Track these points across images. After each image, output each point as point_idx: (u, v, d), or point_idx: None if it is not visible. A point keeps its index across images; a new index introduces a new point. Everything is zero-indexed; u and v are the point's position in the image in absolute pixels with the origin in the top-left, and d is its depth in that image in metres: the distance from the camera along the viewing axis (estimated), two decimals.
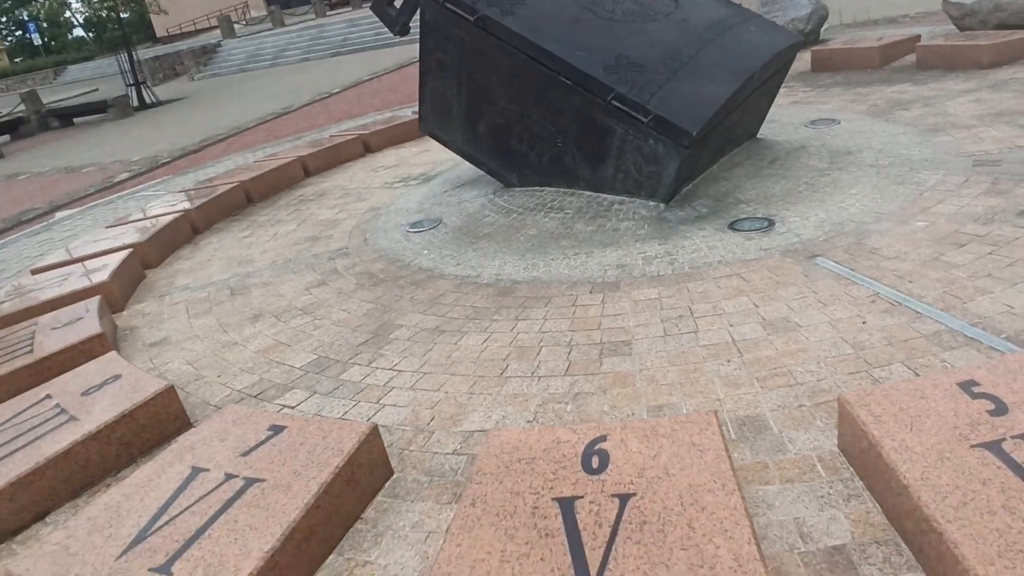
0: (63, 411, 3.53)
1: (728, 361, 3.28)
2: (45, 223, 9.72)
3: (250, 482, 2.66)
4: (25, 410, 3.63)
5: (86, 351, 4.33)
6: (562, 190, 5.86)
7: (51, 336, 4.56)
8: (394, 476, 2.93)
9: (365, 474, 2.78)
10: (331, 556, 2.57)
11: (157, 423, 3.53)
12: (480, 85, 5.76)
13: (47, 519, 3.14)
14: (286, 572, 2.37)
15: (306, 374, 3.90)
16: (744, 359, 3.28)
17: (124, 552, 2.43)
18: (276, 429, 2.94)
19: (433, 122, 6.43)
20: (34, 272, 6.21)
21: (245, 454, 2.83)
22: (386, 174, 8.18)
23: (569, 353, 3.60)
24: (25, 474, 3.09)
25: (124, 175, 12.92)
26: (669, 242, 4.67)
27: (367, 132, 9.67)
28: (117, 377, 3.73)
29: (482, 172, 6.44)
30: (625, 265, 4.48)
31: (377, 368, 3.81)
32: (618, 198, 5.44)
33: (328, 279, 5.23)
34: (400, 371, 3.74)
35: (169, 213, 7.09)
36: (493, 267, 4.83)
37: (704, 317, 3.70)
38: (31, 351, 4.38)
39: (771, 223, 4.66)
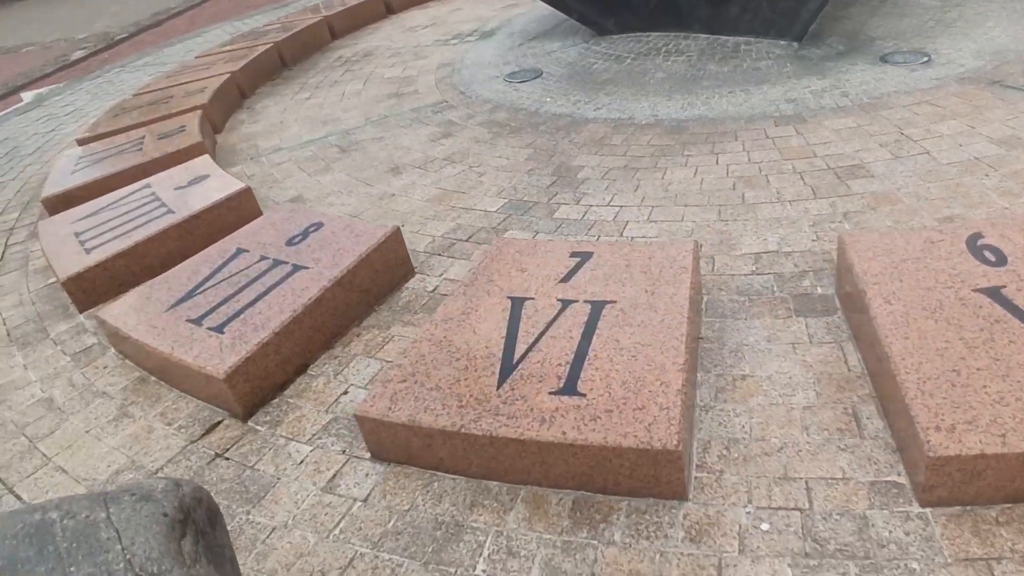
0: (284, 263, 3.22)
1: (986, 176, 3.25)
2: (24, 103, 8.69)
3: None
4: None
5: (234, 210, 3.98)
6: (671, 34, 5.58)
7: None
8: (706, 298, 2.80)
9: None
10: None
11: (388, 269, 3.26)
12: None
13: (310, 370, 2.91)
14: None
15: (509, 216, 3.67)
16: (1001, 172, 3.25)
17: None
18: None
19: None
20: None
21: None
22: (428, 33, 7.61)
23: (803, 179, 3.50)
24: (287, 323, 2.81)
25: (79, 52, 11.63)
26: (828, 77, 4.53)
27: None
28: (320, 226, 3.41)
29: (558, 21, 6.06)
30: (795, 100, 4.34)
31: (591, 205, 3.62)
32: (742, 39, 5.23)
33: (451, 131, 4.87)
34: (622, 206, 3.56)
35: (213, 76, 6.39)
36: (643, 108, 4.60)
37: (925, 140, 3.64)
38: None
39: (927, 56, 4.56)
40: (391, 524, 2.13)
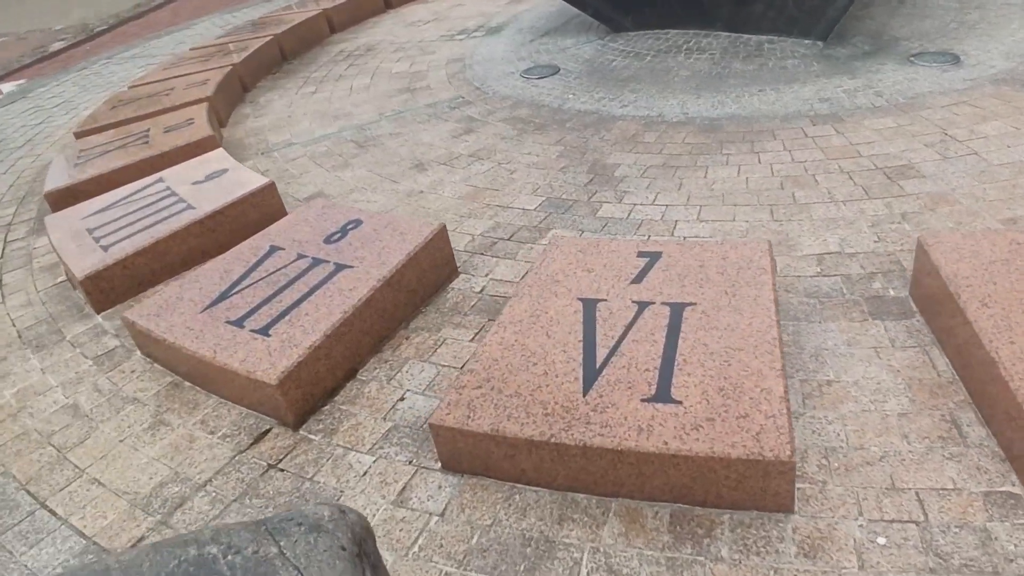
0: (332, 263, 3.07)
1: None
2: (5, 94, 8.34)
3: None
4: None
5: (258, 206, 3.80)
6: (691, 32, 5.51)
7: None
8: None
9: None
10: None
11: (434, 268, 3.12)
12: None
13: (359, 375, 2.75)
14: None
15: (550, 214, 3.54)
16: None
17: None
18: None
19: None
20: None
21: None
22: (431, 28, 7.46)
23: (852, 179, 3.43)
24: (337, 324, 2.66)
25: (58, 43, 11.25)
26: (859, 77, 4.48)
27: None
28: (359, 223, 3.25)
29: (568, 18, 5.96)
30: (828, 99, 4.28)
31: (635, 204, 3.51)
32: (765, 37, 5.17)
33: (473, 127, 4.74)
34: (668, 204, 3.46)
35: (213, 69, 6.17)
36: (672, 106, 4.50)
37: (971, 141, 3.59)
38: None
39: (956, 57, 4.53)
40: (475, 540, 1.99)
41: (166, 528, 2.22)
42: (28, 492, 2.45)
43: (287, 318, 2.67)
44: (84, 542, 2.23)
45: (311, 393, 2.55)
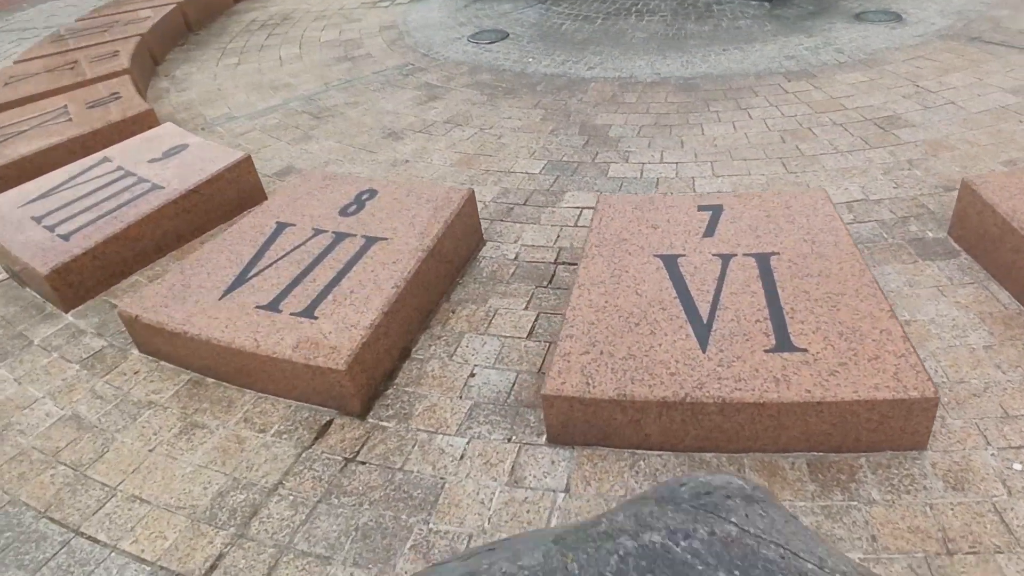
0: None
1: (1020, 122, 3.42)
2: None
3: None
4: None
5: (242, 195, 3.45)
6: None
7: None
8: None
9: None
10: None
11: (466, 237, 2.94)
12: None
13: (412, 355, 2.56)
14: None
15: (558, 177, 3.44)
16: None
17: None
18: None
19: None
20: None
21: None
22: None
23: (847, 130, 3.54)
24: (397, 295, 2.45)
25: None
26: (815, 36, 4.64)
27: None
28: (373, 193, 3.01)
29: None
30: (793, 56, 4.40)
31: (643, 163, 3.47)
32: (714, 0, 5.23)
33: (436, 93, 4.52)
34: (677, 162, 3.43)
35: (118, 39, 5.55)
36: (641, 67, 4.49)
37: (943, 91, 3.79)
38: None
39: (898, 15, 4.78)
40: None
41: (247, 540, 1.95)
42: (52, 520, 2.09)
43: (330, 297, 2.41)
44: (148, 568, 1.92)
45: (373, 377, 2.32)
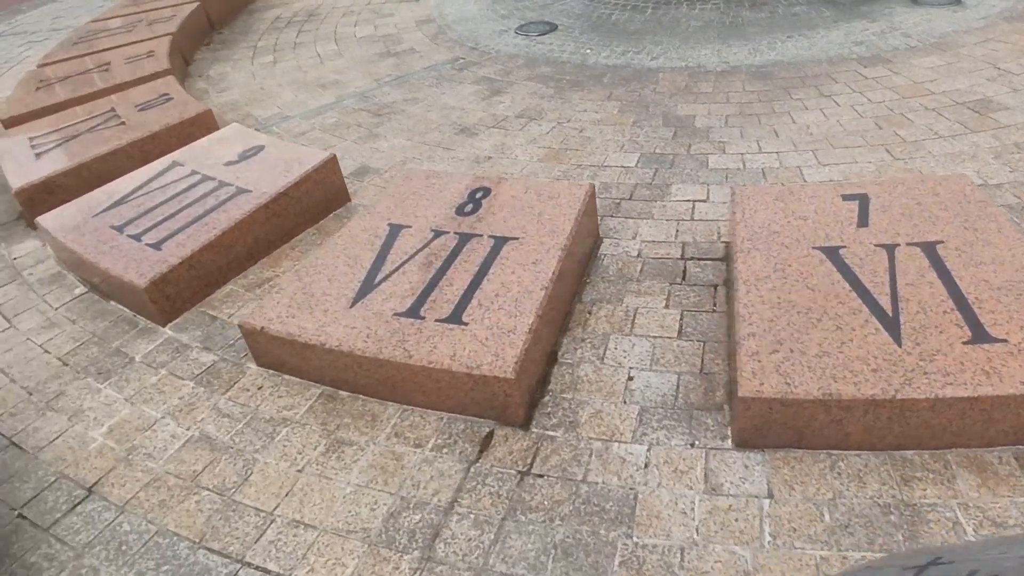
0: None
1: None
2: None
3: None
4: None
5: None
6: None
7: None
8: None
9: None
10: None
11: (589, 235, 2.84)
12: None
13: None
14: None
15: (657, 169, 3.35)
16: None
17: None
18: None
19: None
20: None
21: None
22: None
23: (941, 115, 3.48)
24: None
25: None
26: (879, 21, 4.59)
27: None
28: (488, 191, 2.90)
29: None
30: (862, 42, 4.34)
31: (742, 153, 3.39)
32: None
33: (499, 87, 4.41)
34: (777, 151, 3.37)
35: (147, 40, 5.35)
36: (707, 56, 4.41)
37: None
38: None
39: None
40: (828, 518, 1.79)
41: (436, 564, 1.84)
42: (211, 550, 1.94)
43: (474, 302, 2.30)
44: None
45: (531, 384, 2.21)
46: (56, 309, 3.01)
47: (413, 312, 2.30)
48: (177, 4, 6.10)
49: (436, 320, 2.26)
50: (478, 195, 2.81)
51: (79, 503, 2.14)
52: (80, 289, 3.11)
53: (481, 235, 2.59)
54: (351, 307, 2.38)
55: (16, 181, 3.52)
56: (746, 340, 2.01)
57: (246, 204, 3.02)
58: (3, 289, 3.18)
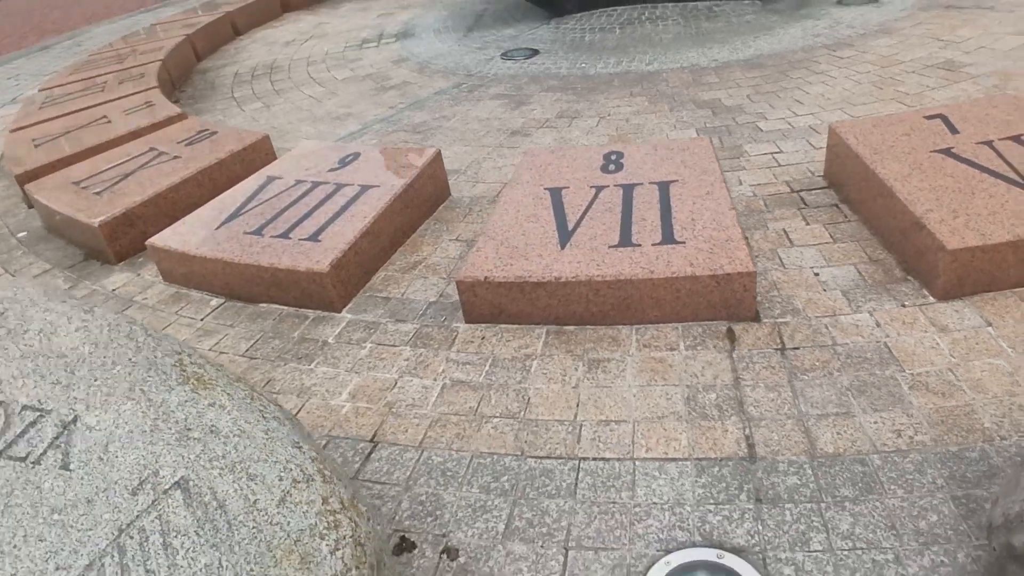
0: None
1: None
2: None
3: None
4: None
5: None
6: (636, 7, 6.12)
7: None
8: None
9: None
10: None
11: None
12: None
13: None
14: None
15: (723, 137, 3.84)
16: None
17: None
18: None
19: None
20: None
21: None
22: (320, 44, 7.15)
23: (922, 75, 4.25)
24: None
25: None
26: (821, 19, 5.45)
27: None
28: (620, 154, 3.26)
29: (477, 14, 6.33)
30: (820, 35, 5.15)
31: (783, 117, 3.96)
32: (706, 3, 5.98)
33: (520, 99, 4.81)
34: (810, 113, 3.96)
35: (135, 92, 5.31)
36: (696, 57, 5.04)
37: (965, 42, 4.63)
38: None
39: None
40: None
41: (757, 420, 2.11)
42: (539, 457, 2.11)
43: (677, 227, 2.62)
44: (683, 462, 2.03)
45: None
46: (201, 320, 3.00)
47: (625, 242, 2.58)
48: (142, 64, 6.02)
49: (652, 244, 2.54)
50: (612, 157, 3.14)
51: (371, 452, 2.21)
52: (216, 300, 3.10)
53: (642, 183, 2.92)
54: (562, 250, 2.61)
55: (96, 217, 3.45)
56: (929, 214, 2.45)
57: (382, 196, 3.17)
58: (124, 315, 3.08)
